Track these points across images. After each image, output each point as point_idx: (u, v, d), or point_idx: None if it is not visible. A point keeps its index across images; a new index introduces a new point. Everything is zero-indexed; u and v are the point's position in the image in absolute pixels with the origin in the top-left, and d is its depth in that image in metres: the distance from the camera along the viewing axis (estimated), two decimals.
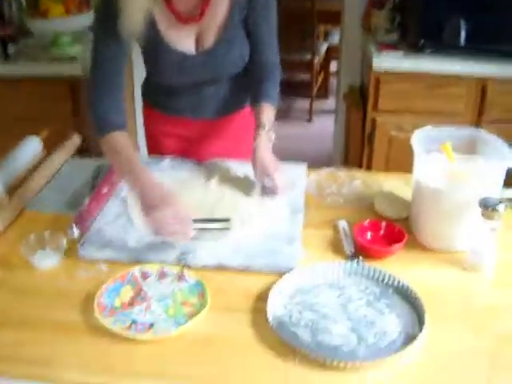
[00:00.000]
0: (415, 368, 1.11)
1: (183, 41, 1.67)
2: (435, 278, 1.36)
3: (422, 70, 2.85)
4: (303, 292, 1.30)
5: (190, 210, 1.41)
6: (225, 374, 1.10)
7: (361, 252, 1.42)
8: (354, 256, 1.40)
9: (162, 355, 1.15)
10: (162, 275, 1.34)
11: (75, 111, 2.86)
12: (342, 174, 1.80)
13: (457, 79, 2.83)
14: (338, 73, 3.93)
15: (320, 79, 5.54)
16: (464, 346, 1.16)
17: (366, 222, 1.50)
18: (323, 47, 5.41)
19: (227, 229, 1.47)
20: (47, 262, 1.40)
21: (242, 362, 1.13)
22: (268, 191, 1.61)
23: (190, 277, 1.33)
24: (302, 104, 5.46)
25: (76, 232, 1.47)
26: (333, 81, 5.46)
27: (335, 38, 5.29)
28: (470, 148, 1.51)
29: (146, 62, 1.76)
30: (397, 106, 2.93)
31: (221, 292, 1.29)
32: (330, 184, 1.73)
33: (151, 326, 1.20)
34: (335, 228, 1.52)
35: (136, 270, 1.35)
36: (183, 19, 1.63)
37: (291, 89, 5.57)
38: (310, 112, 5.23)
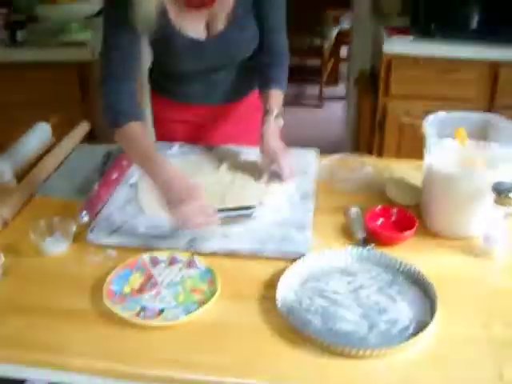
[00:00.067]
0: (427, 355, 1.10)
1: (194, 27, 1.65)
2: (447, 264, 1.35)
3: (434, 54, 2.82)
4: (314, 278, 1.29)
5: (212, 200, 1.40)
6: (235, 361, 1.10)
7: (372, 238, 1.40)
8: (365, 242, 1.39)
9: (171, 342, 1.14)
10: (172, 262, 1.34)
11: (84, 97, 2.86)
12: (353, 159, 1.78)
13: (468, 64, 2.80)
14: (348, 58, 3.91)
15: (330, 65, 5.51)
16: (476, 332, 1.15)
17: (378, 208, 1.48)
18: (333, 32, 5.38)
19: (251, 216, 1.46)
20: (56, 248, 1.39)
21: (251, 349, 1.12)
22: (276, 177, 1.60)
23: (201, 263, 1.32)
24: (312, 90, 5.44)
25: (85, 218, 1.46)
26: (343, 66, 5.44)
27: (345, 23, 5.25)
28: (482, 133, 1.49)
29: (155, 50, 1.74)
30: (408, 92, 2.91)
31: (231, 279, 1.29)
32: (340, 170, 1.72)
33: (161, 312, 1.20)
34: (346, 214, 1.51)
35: (146, 257, 1.35)
36: (195, 5, 1.61)
37: (301, 75, 5.56)
38: (320, 98, 5.21)
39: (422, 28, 2.90)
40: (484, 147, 1.47)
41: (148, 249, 1.38)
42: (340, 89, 5.45)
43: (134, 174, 1.66)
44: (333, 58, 5.56)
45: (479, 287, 1.28)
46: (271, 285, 1.26)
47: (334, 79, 5.62)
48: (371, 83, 3.30)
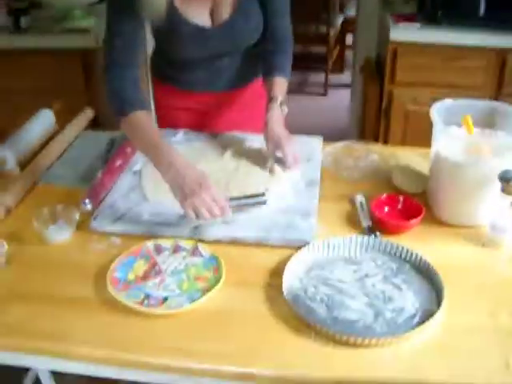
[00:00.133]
0: (433, 344, 1.09)
1: (199, 14, 1.64)
2: (453, 253, 1.34)
3: (440, 41, 2.79)
4: (319, 266, 1.28)
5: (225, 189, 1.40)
6: (239, 349, 1.09)
7: (378, 226, 1.39)
8: (371, 230, 1.38)
9: (175, 330, 1.13)
10: (176, 249, 1.33)
11: (88, 84, 2.84)
12: (359, 147, 1.77)
13: (475, 51, 2.77)
14: (354, 45, 3.89)
15: (335, 52, 5.48)
16: (482, 322, 1.14)
17: (383, 196, 1.47)
18: (339, 20, 5.34)
19: (263, 203, 1.44)
20: (60, 235, 1.39)
21: (256, 337, 1.11)
22: (280, 164, 1.59)
23: (205, 251, 1.32)
24: (317, 78, 5.41)
25: (89, 206, 1.45)
26: (348, 54, 5.41)
27: (351, 11, 5.22)
28: (489, 121, 1.48)
29: (158, 37, 1.72)
30: (414, 79, 2.89)
31: (235, 266, 1.28)
32: (346, 157, 1.71)
33: (165, 300, 1.19)
34: (352, 202, 1.50)
35: (150, 244, 1.34)
36: None
37: (306, 62, 5.53)
38: (326, 86, 5.18)
39: (429, 15, 2.87)
40: (491, 135, 1.45)
41: (152, 236, 1.37)
42: (345, 76, 5.42)
43: (138, 161, 1.65)
44: (338, 45, 5.53)
45: (486, 276, 1.27)
46: (276, 272, 1.25)
47: (339, 67, 5.59)
48: (377, 71, 3.28)
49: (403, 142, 2.97)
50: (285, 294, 1.18)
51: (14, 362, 1.20)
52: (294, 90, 5.17)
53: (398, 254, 1.30)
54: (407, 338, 1.09)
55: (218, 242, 1.35)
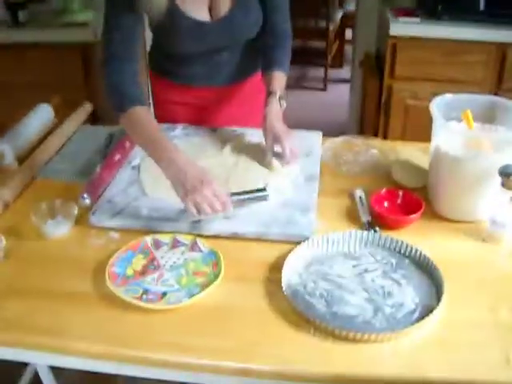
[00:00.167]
0: (433, 340, 1.09)
1: (198, 9, 1.63)
2: (453, 248, 1.33)
3: (440, 36, 2.79)
4: (318, 262, 1.28)
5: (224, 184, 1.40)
6: (238, 345, 1.09)
7: (377, 221, 1.39)
8: (371, 225, 1.38)
9: (174, 325, 1.13)
10: (175, 244, 1.33)
11: (87, 78, 2.84)
12: (359, 142, 1.77)
13: (475, 46, 2.77)
14: (353, 40, 3.87)
15: (335, 47, 5.46)
16: (483, 317, 1.14)
17: (383, 191, 1.47)
18: (338, 15, 5.33)
19: (264, 198, 1.44)
20: (58, 230, 1.38)
21: (255, 333, 1.11)
22: (278, 158, 1.58)
23: (204, 246, 1.31)
24: (317, 72, 5.40)
25: (87, 200, 1.44)
26: (348, 49, 5.40)
27: (350, 5, 5.21)
28: (489, 116, 1.47)
29: (156, 31, 1.71)
30: (414, 74, 2.88)
31: (234, 261, 1.27)
32: (346, 152, 1.70)
33: (163, 295, 1.19)
34: (351, 197, 1.49)
35: (148, 239, 1.34)
36: None
37: (305, 57, 5.53)
38: (325, 81, 5.17)
39: (429, 9, 2.86)
40: (491, 130, 1.45)
41: (151, 231, 1.36)
42: (345, 71, 5.41)
43: (137, 155, 1.65)
44: (338, 40, 5.52)
45: (486, 271, 1.26)
46: (275, 267, 1.25)
47: (338, 62, 5.58)
48: (376, 65, 3.27)
49: (403, 136, 2.96)
50: (284, 289, 1.17)
51: (12, 357, 1.20)
52: (293, 84, 5.16)
53: (397, 249, 1.30)
54: (407, 333, 1.08)
55: (217, 236, 1.35)
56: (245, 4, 1.65)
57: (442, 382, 1.02)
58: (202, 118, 1.89)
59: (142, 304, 1.16)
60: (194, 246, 1.32)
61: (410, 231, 1.37)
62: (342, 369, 1.04)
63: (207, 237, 1.35)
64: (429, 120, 1.42)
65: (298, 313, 1.13)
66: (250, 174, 1.55)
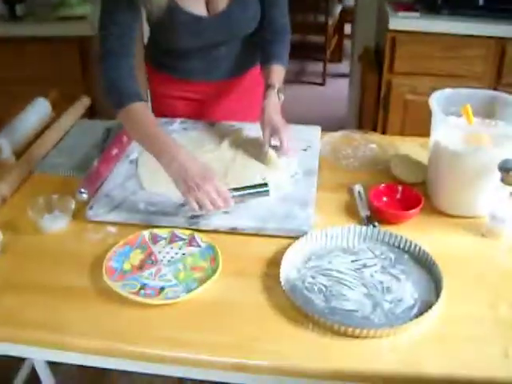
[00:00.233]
0: (432, 335, 1.08)
1: (195, 4, 1.62)
2: (452, 243, 1.32)
3: (439, 30, 2.78)
4: (317, 257, 1.27)
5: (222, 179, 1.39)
6: (236, 340, 1.08)
7: (376, 216, 1.38)
8: (370, 220, 1.37)
9: (172, 321, 1.12)
10: (173, 239, 1.32)
11: (84, 72, 2.83)
12: (357, 136, 1.76)
13: (475, 40, 2.76)
14: (352, 34, 3.86)
15: (334, 42, 5.45)
16: (482, 313, 1.13)
17: (382, 186, 1.46)
18: (337, 9, 5.32)
19: (265, 193, 1.43)
20: (55, 225, 1.38)
21: (253, 328, 1.10)
22: (276, 151, 1.58)
23: (202, 241, 1.31)
24: (316, 67, 5.39)
25: (85, 195, 1.44)
26: (346, 44, 5.39)
27: (349, 1, 5.20)
28: (489, 111, 1.47)
29: (153, 26, 1.69)
30: (413, 68, 2.87)
31: (232, 256, 1.27)
32: (345, 147, 1.70)
33: (161, 290, 1.18)
34: (350, 192, 1.49)
35: (146, 234, 1.33)
36: None
37: (304, 51, 5.51)
38: (324, 75, 5.16)
39: (428, 4, 2.85)
40: (490, 125, 1.44)
41: (148, 225, 1.36)
42: (343, 66, 5.40)
43: (135, 149, 1.64)
44: (337, 34, 5.51)
45: (485, 267, 1.26)
46: (274, 262, 1.24)
47: (337, 56, 5.57)
48: (375, 60, 3.26)
49: (402, 131, 2.95)
50: (282, 284, 1.17)
51: (9, 352, 1.19)
52: (292, 79, 5.15)
53: (396, 244, 1.29)
54: (405, 329, 1.08)
55: (215, 231, 1.34)
56: None
57: (440, 377, 1.01)
58: (201, 113, 1.88)
59: (139, 299, 1.15)
60: (191, 241, 1.31)
61: (409, 226, 1.36)
62: (341, 364, 1.04)
63: (205, 231, 1.34)
64: (428, 115, 1.41)
65: (297, 308, 1.12)
66: (248, 169, 1.54)
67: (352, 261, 1.26)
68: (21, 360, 2.10)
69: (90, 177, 1.50)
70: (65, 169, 1.61)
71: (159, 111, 1.89)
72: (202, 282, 1.19)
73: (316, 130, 1.76)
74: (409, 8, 2.87)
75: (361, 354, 1.05)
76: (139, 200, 1.43)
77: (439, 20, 2.78)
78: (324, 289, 1.18)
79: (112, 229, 1.37)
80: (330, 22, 5.05)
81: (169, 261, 1.26)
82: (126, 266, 1.25)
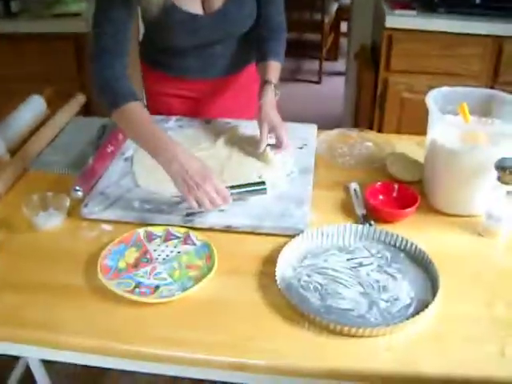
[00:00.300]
0: (428, 334, 1.08)
1: (191, 2, 1.61)
2: (449, 242, 1.32)
3: (436, 29, 2.77)
4: (313, 255, 1.27)
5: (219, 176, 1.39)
6: (232, 339, 1.08)
7: (372, 215, 1.38)
8: (366, 219, 1.37)
9: (167, 319, 1.12)
10: (168, 237, 1.31)
11: (80, 69, 2.81)
12: (354, 134, 1.76)
13: (472, 39, 2.75)
14: (349, 32, 3.86)
15: (330, 40, 5.44)
16: (479, 312, 1.13)
17: (378, 184, 1.46)
18: (333, 7, 5.31)
19: (263, 191, 1.42)
20: (50, 222, 1.37)
21: (249, 327, 1.10)
22: (272, 149, 1.57)
23: (197, 239, 1.30)
24: (311, 65, 5.38)
25: (80, 192, 1.43)
26: (343, 42, 5.38)
27: None
28: (486, 109, 1.47)
29: (150, 25, 1.68)
30: (409, 67, 2.87)
31: (228, 254, 1.26)
32: (341, 145, 1.69)
33: (156, 288, 1.17)
34: (346, 190, 1.48)
35: (141, 232, 1.32)
36: None
37: (300, 50, 5.51)
38: (320, 73, 5.16)
39: (425, 2, 2.85)
40: (487, 123, 1.44)
41: (143, 223, 1.35)
42: (339, 64, 5.39)
43: (130, 147, 1.63)
44: (333, 32, 5.50)
45: (482, 266, 1.25)
46: (269, 261, 1.24)
47: (333, 54, 5.56)
48: (372, 58, 3.26)
49: (398, 130, 2.95)
50: (278, 282, 1.16)
51: (3, 351, 1.19)
52: (288, 77, 5.14)
53: (392, 243, 1.29)
54: (402, 328, 1.07)
55: (210, 229, 1.34)
56: None
57: (437, 376, 1.01)
58: (196, 111, 1.87)
59: (134, 297, 1.14)
60: (187, 239, 1.30)
61: (405, 225, 1.36)
62: (337, 363, 1.03)
63: (200, 229, 1.33)
64: (425, 113, 1.41)
65: (292, 306, 1.12)
66: (244, 167, 1.54)
67: (348, 259, 1.25)
68: (15, 359, 2.09)
69: (84, 174, 1.49)
70: (60, 166, 1.60)
71: (154, 109, 1.88)
72: (197, 280, 1.19)
73: (312, 128, 1.75)
74: (405, 6, 2.86)
75: (357, 353, 1.04)
76: (134, 198, 1.43)
77: (436, 18, 2.78)
78: (320, 287, 1.17)
79: (107, 227, 1.36)
80: (326, 20, 5.04)
81: (164, 259, 1.26)
82: (121, 265, 1.24)
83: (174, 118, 1.81)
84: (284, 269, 1.22)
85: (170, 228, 1.33)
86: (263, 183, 1.42)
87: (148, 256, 1.26)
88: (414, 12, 2.81)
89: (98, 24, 1.51)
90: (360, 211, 1.39)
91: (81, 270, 1.24)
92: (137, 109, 1.45)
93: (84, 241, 1.33)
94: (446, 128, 1.39)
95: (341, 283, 1.18)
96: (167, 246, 1.29)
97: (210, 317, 1.12)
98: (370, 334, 1.06)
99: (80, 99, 1.97)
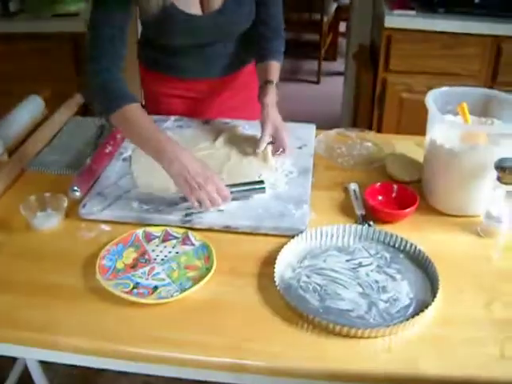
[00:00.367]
0: (427, 335, 1.07)
1: (189, 3, 1.61)
2: (448, 242, 1.32)
3: (436, 29, 2.77)
4: (312, 256, 1.26)
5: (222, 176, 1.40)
6: (230, 340, 1.07)
7: (372, 215, 1.37)
8: (365, 219, 1.36)
9: (165, 320, 1.11)
10: (166, 237, 1.31)
11: (78, 69, 2.81)
12: (353, 134, 1.75)
13: (471, 39, 2.75)
14: (347, 32, 3.85)
15: (328, 40, 5.44)
16: (478, 313, 1.12)
17: (377, 185, 1.45)
18: (332, 7, 5.31)
19: (261, 190, 1.42)
20: (48, 223, 1.36)
21: (248, 328, 1.09)
22: (274, 149, 1.58)
23: (196, 239, 1.29)
24: (310, 65, 5.38)
25: (78, 192, 1.43)
26: (341, 42, 5.38)
27: None
28: (485, 109, 1.46)
29: (148, 26, 1.68)
30: (408, 67, 2.87)
31: (227, 255, 1.26)
32: (340, 145, 1.69)
33: (154, 289, 1.17)
34: (345, 190, 1.48)
35: (139, 232, 1.32)
36: None
37: (299, 50, 5.50)
38: (318, 73, 5.15)
39: (425, 2, 2.85)
40: (486, 123, 1.44)
41: (142, 224, 1.35)
42: (338, 64, 5.39)
43: (128, 147, 1.63)
44: (331, 32, 5.50)
45: (481, 266, 1.25)
46: (268, 261, 1.23)
47: (332, 54, 5.56)
48: (371, 58, 3.25)
49: (397, 130, 2.95)
50: (277, 283, 1.16)
51: (0, 352, 1.18)
52: (287, 77, 5.13)
53: (391, 244, 1.28)
54: (401, 328, 1.07)
55: (209, 229, 1.33)
56: None
57: (436, 377, 1.01)
58: (195, 110, 1.86)
59: (132, 298, 1.14)
60: (185, 240, 1.30)
61: (404, 225, 1.35)
62: (336, 364, 1.03)
63: (199, 230, 1.33)
64: (424, 113, 1.41)
65: (291, 307, 1.11)
66: (243, 167, 1.53)
67: (347, 260, 1.25)
68: (13, 360, 2.08)
69: (83, 175, 1.48)
70: (58, 166, 1.59)
71: (153, 109, 1.87)
72: (195, 281, 1.18)
73: (311, 129, 1.75)
74: (405, 6, 2.86)
75: (356, 353, 1.04)
76: (133, 198, 1.42)
77: (435, 18, 2.78)
78: (319, 288, 1.17)
79: (105, 227, 1.36)
80: (325, 20, 5.04)
81: (162, 259, 1.25)
82: (119, 265, 1.23)
83: (172, 117, 1.81)
84: (283, 269, 1.21)
85: (169, 228, 1.33)
86: (262, 182, 1.42)
87: (146, 256, 1.26)
88: (413, 12, 2.81)
89: (95, 26, 1.49)
90: (359, 211, 1.39)
91: (79, 270, 1.23)
92: (136, 110, 1.44)
93: (82, 241, 1.32)
94: (446, 128, 1.39)
95: (340, 284, 1.18)
96: (166, 247, 1.29)
97: (208, 318, 1.12)
98: (370, 334, 1.06)
99: (78, 99, 1.97)
